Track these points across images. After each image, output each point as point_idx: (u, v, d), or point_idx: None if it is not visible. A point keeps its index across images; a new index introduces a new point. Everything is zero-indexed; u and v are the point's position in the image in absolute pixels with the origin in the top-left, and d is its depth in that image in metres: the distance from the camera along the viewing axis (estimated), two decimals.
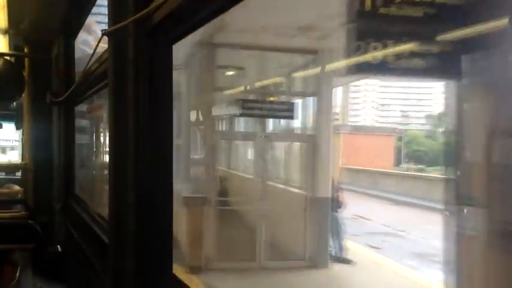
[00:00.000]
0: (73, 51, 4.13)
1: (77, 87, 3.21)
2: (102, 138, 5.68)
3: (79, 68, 3.71)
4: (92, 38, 3.91)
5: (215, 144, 8.57)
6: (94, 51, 2.32)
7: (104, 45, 1.98)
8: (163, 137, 1.56)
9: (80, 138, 4.70)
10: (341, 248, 8.55)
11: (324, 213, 8.04)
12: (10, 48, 4.93)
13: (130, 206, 1.57)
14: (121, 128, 1.61)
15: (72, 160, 4.13)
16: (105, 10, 1.74)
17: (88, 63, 2.60)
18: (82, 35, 4.02)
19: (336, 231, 8.57)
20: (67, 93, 3.54)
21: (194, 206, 7.63)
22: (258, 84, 9.46)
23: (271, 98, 9.32)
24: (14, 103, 5.67)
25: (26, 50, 4.67)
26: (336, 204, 8.62)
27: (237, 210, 8.72)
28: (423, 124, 52.39)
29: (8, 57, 4.57)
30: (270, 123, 10.41)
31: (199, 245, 7.51)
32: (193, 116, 10.43)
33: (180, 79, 9.22)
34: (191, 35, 1.41)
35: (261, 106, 8.60)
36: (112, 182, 1.71)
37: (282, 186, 9.15)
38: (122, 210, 1.62)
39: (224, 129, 13.11)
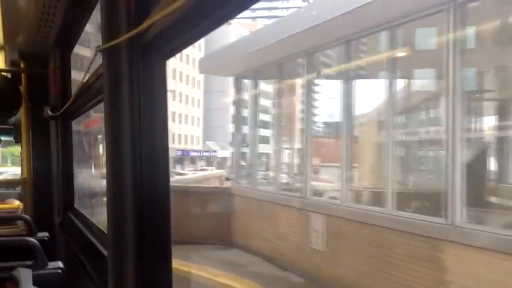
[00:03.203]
0: (69, 65, 4.15)
1: (74, 102, 3.23)
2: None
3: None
4: None
5: None
6: (89, 66, 2.34)
7: None
8: (160, 150, 1.59)
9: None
10: None
11: None
12: (6, 64, 4.95)
13: (128, 218, 1.59)
14: (117, 141, 1.63)
15: (71, 174, 4.15)
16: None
17: (84, 77, 2.62)
18: None
19: None
20: (64, 108, 3.56)
21: None
22: None
23: None
24: (12, 118, 5.68)
25: (22, 64, 4.69)
26: None
27: None
28: None
29: (4, 73, 4.59)
30: None
31: None
32: None
33: None
34: None
35: None
36: (110, 194, 1.73)
37: None
38: (120, 223, 1.63)
39: None
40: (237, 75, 15.57)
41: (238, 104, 16.57)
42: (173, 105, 73.23)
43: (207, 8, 1.13)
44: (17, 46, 4.39)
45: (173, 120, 73.73)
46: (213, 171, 49.72)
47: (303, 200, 10.97)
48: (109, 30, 1.60)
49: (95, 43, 1.85)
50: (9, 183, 6.86)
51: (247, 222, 13.33)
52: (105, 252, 2.24)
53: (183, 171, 51.47)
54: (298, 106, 14.30)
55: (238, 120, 16.30)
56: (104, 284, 1.89)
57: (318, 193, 11.26)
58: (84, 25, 3.50)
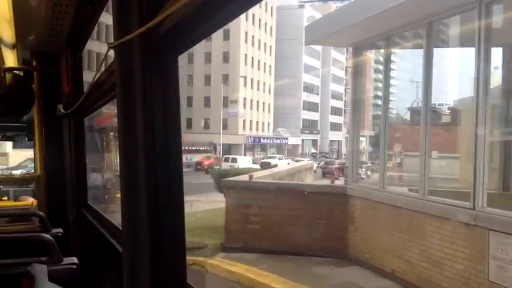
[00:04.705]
0: (81, 63, 4.18)
1: (86, 99, 3.24)
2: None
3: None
4: None
5: None
6: (101, 63, 2.34)
7: None
8: (173, 147, 1.58)
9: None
10: None
11: None
12: (18, 62, 4.97)
13: (143, 215, 1.59)
14: (131, 138, 1.63)
15: (84, 170, 4.18)
16: None
17: (96, 74, 2.63)
18: None
19: None
20: (76, 105, 3.58)
21: None
22: None
23: None
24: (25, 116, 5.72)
25: (34, 63, 4.71)
26: None
27: None
28: None
29: (17, 72, 4.62)
30: None
31: None
32: None
33: None
34: None
35: None
36: (124, 190, 1.73)
37: None
38: (135, 220, 1.64)
39: None
40: (357, 45, 12.69)
41: (358, 81, 13.44)
42: (244, 92, 71.50)
43: (221, 0, 1.12)
44: (29, 44, 4.41)
45: (244, 107, 71.96)
46: (292, 162, 43.72)
47: (474, 212, 7.87)
48: (121, 26, 1.59)
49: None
50: (23, 181, 6.92)
51: (373, 233, 10.87)
52: (120, 249, 2.25)
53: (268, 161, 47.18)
54: (452, 80, 10.55)
55: (357, 100, 13.22)
56: (119, 279, 1.90)
57: (498, 202, 8.23)
58: (96, 22, 3.51)
